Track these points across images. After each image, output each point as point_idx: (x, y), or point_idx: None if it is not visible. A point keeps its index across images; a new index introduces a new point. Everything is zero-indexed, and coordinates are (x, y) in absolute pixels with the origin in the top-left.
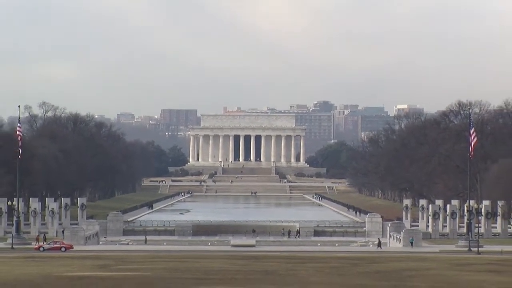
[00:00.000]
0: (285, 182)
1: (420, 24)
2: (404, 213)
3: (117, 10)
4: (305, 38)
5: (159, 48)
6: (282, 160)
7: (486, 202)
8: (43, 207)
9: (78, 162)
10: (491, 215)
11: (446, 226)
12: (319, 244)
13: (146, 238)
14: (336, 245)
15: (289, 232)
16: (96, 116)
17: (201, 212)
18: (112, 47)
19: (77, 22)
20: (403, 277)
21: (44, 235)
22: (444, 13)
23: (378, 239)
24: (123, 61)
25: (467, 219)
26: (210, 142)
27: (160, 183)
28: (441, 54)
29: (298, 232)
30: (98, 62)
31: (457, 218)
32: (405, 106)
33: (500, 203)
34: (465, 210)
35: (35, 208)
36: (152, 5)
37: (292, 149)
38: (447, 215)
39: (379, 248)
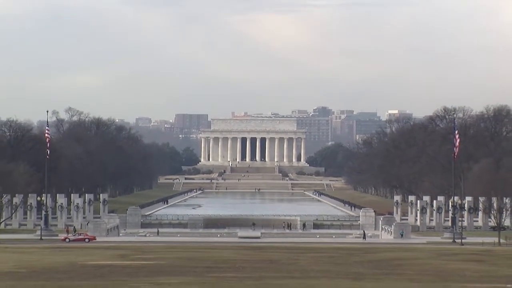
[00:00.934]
0: (287, 180)
1: (409, 38)
2: (394, 208)
3: (137, 25)
4: (306, 50)
5: (174, 59)
6: (284, 160)
7: (468, 198)
8: (69, 202)
9: (101, 162)
10: (473, 210)
11: (432, 220)
12: (318, 236)
13: (158, 231)
14: (333, 237)
15: (289, 225)
16: (117, 120)
17: (212, 207)
18: (131, 59)
19: (101, 36)
20: (394, 266)
21: (74, 227)
22: (431, 29)
23: (363, 231)
24: (141, 71)
25: (452, 214)
26: (220, 143)
27: (175, 180)
28: (428, 65)
29: (304, 225)
30: (119, 72)
31: (442, 213)
32: (396, 111)
33: (481, 199)
34: (450, 206)
35: (62, 203)
36: (169, 21)
37: (294, 150)
38: (434, 210)
39: (364, 239)
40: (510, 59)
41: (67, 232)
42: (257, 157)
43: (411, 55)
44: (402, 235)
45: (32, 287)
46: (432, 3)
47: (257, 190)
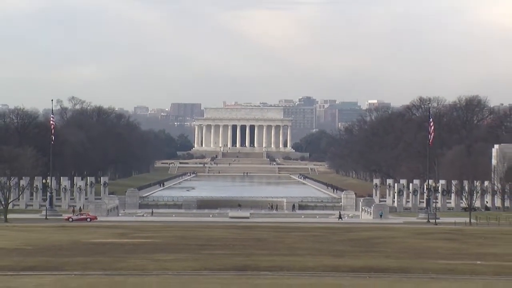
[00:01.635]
0: (274, 164)
1: (387, 33)
2: (374, 190)
3: (135, 20)
4: (292, 43)
5: (170, 51)
6: (272, 146)
7: (442, 182)
8: (72, 184)
9: (101, 147)
10: (446, 192)
11: (409, 201)
12: (303, 216)
13: (152, 211)
14: (317, 217)
15: (274, 206)
16: (116, 109)
17: (204, 189)
18: (131, 51)
19: (102, 29)
20: (373, 244)
21: (80, 208)
22: (408, 24)
23: (339, 212)
24: (140, 62)
25: (426, 196)
26: (212, 130)
27: (170, 165)
28: (405, 58)
29: (293, 207)
30: (119, 63)
31: (418, 195)
32: (375, 101)
33: (454, 182)
34: (425, 188)
35: (65, 185)
36: (165, 17)
37: (281, 136)
38: (410, 192)
39: (340, 219)
40: (479, 53)
41: (73, 212)
42: (247, 143)
43: (389, 49)
44: (380, 215)
45: (38, 262)
46: (408, 3)
47: (245, 174)
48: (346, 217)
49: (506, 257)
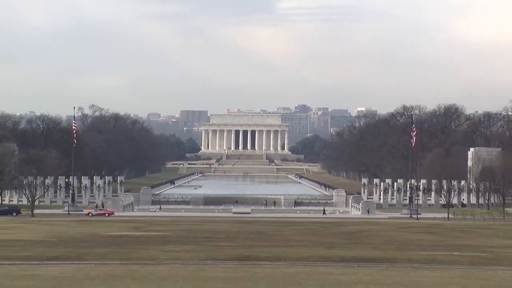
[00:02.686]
0: (273, 165)
1: (375, 47)
2: (362, 188)
3: (149, 35)
4: (289, 57)
5: (180, 64)
6: (271, 148)
7: (423, 181)
8: (92, 183)
9: (118, 150)
10: (427, 190)
11: (393, 198)
12: (298, 212)
13: (160, 207)
14: (311, 212)
15: (268, 203)
16: (132, 115)
17: (210, 187)
18: (145, 63)
19: (119, 45)
20: (361, 237)
21: (102, 204)
22: (393, 39)
23: (323, 208)
24: (153, 73)
25: (409, 194)
26: (217, 135)
27: (179, 165)
28: (391, 69)
29: (295, 203)
30: (134, 74)
31: (401, 193)
32: (363, 108)
33: (433, 181)
34: (408, 187)
35: (86, 184)
36: (175, 32)
37: (279, 140)
38: (394, 190)
39: (324, 214)
40: (456, 66)
41: (96, 207)
42: (248, 146)
43: (376, 61)
44: (368, 211)
45: (61, 253)
46: (393, 18)
47: (247, 174)
48: (337, 213)
49: (480, 249)
